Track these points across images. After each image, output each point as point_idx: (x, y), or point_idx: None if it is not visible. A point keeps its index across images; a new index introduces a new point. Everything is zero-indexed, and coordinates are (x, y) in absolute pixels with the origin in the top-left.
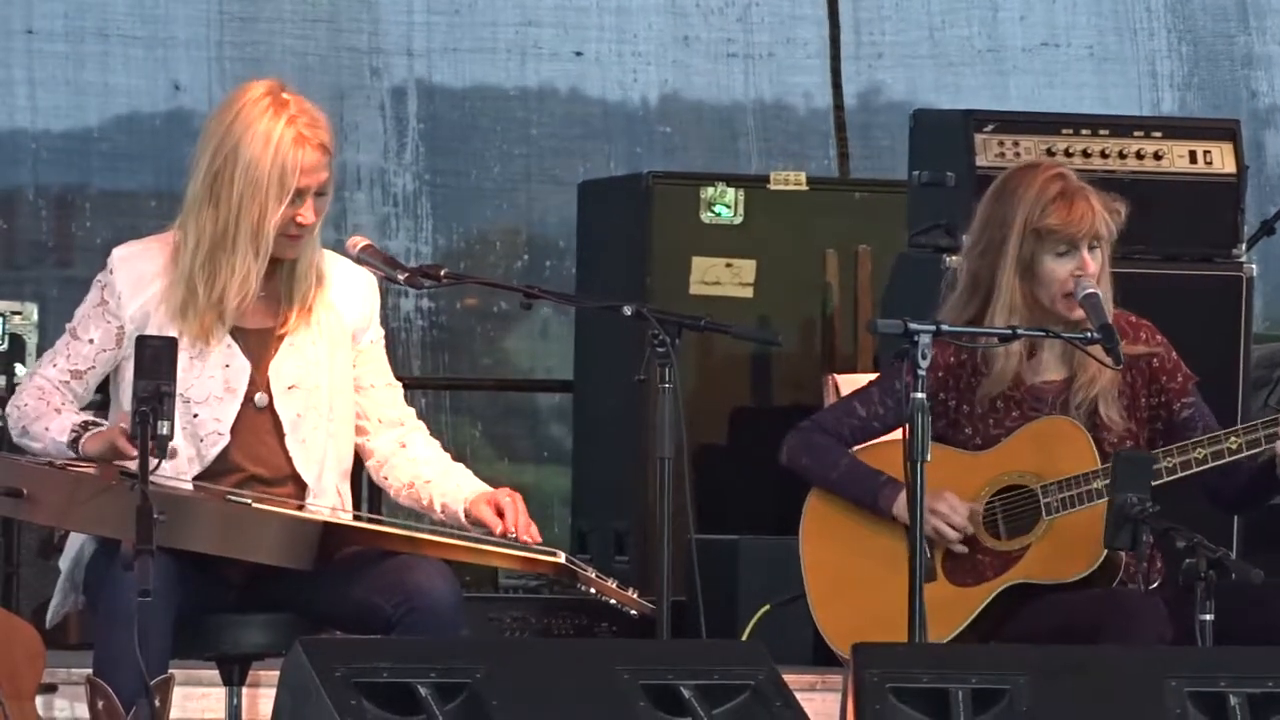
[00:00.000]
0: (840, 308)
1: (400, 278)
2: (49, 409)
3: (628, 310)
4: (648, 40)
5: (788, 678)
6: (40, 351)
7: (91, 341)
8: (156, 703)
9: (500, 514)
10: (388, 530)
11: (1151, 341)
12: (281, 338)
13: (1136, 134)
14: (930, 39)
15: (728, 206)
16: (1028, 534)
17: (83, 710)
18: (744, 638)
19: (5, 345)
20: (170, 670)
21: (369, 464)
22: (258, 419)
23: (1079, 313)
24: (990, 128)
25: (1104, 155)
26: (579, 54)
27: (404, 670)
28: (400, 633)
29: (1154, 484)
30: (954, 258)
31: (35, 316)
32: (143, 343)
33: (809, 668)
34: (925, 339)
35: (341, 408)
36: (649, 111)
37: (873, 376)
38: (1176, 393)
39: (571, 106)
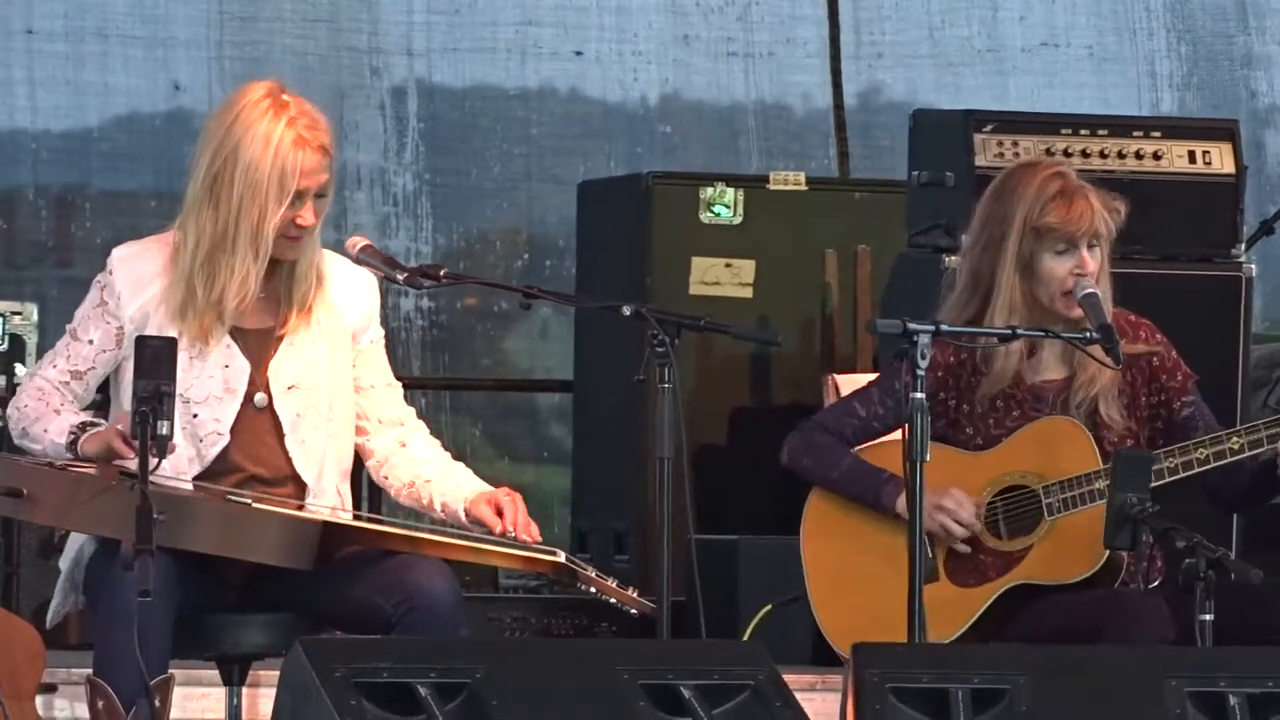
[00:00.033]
0: (840, 308)
1: (400, 278)
2: (48, 410)
3: (627, 310)
4: (648, 39)
5: (788, 678)
6: (40, 352)
7: (91, 342)
8: (156, 703)
9: (500, 513)
10: (387, 530)
11: (1151, 340)
12: (281, 338)
13: (1136, 134)
14: (930, 39)
15: (727, 206)
16: (1030, 534)
17: (83, 710)
18: (745, 638)
19: (5, 345)
20: (170, 670)
21: (369, 464)
22: (257, 419)
23: (1079, 311)
24: (989, 128)
25: (1103, 155)
26: (579, 53)
27: (404, 670)
28: (400, 632)
29: (1156, 484)
30: (953, 258)
31: (35, 316)
32: (142, 343)
33: (809, 668)
34: (924, 339)
35: (341, 408)
36: (649, 111)
37: (872, 376)
38: (1176, 391)
39: (571, 106)
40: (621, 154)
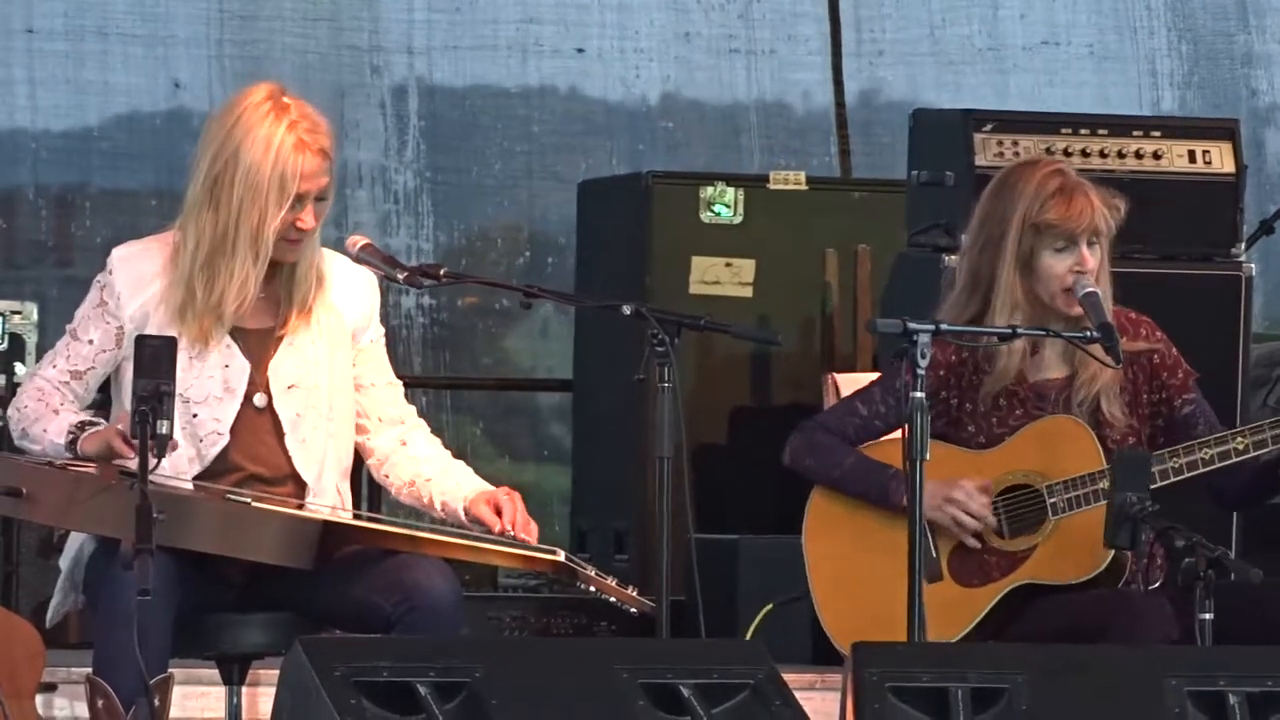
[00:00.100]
0: (840, 307)
1: (400, 277)
2: (48, 410)
3: (627, 310)
4: (649, 36)
5: (787, 677)
6: (40, 351)
7: (91, 342)
8: (156, 702)
9: (499, 512)
10: (387, 529)
11: (1152, 338)
12: (281, 338)
13: (1135, 133)
14: (931, 37)
15: (727, 206)
16: (1033, 534)
17: (82, 709)
18: (748, 637)
19: (5, 345)
20: (170, 669)
21: (369, 462)
22: (257, 419)
23: (1079, 309)
24: (989, 127)
25: (1103, 155)
26: (580, 51)
27: (403, 669)
28: (400, 632)
29: (1160, 484)
30: (953, 257)
31: (35, 316)
32: (142, 342)
33: (809, 667)
34: (924, 338)
35: (341, 407)
36: (651, 108)
37: (872, 376)
38: (1177, 389)
39: (573, 103)
40: (623, 151)
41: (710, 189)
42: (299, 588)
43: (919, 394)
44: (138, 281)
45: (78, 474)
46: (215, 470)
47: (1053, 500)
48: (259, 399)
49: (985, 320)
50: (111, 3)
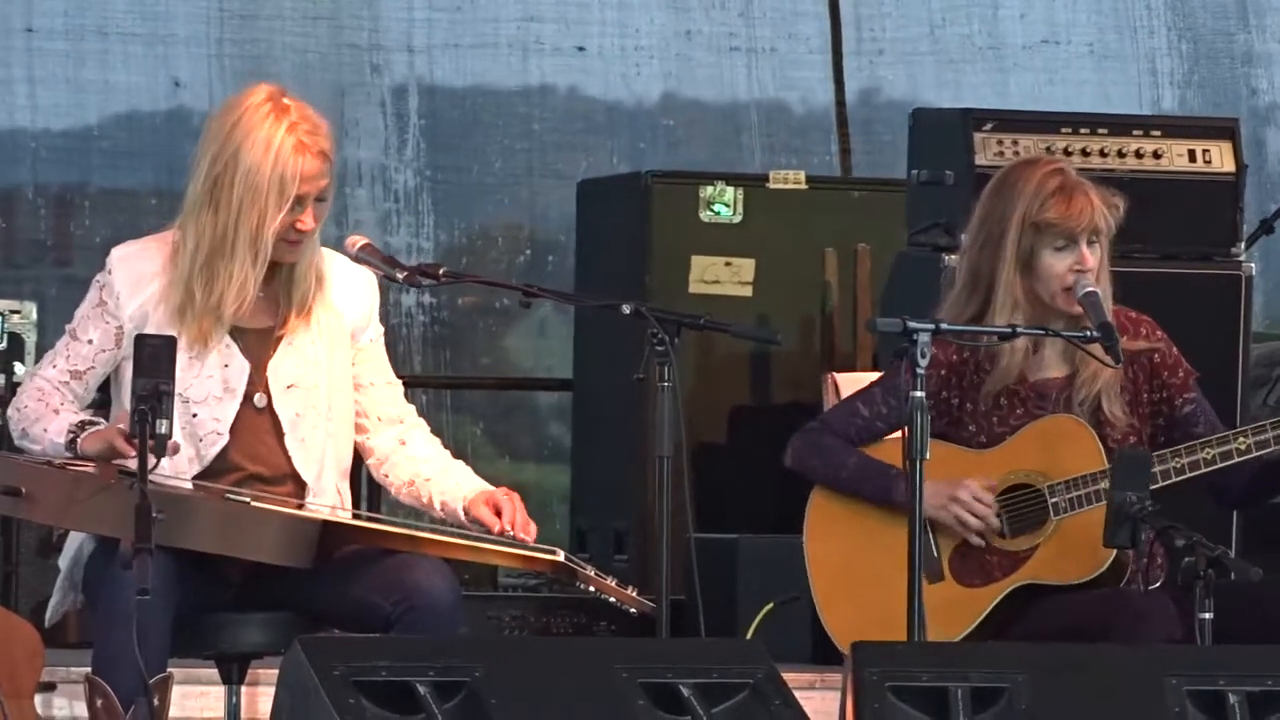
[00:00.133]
0: (839, 306)
1: (399, 276)
2: (48, 410)
3: (627, 309)
4: (650, 35)
5: (787, 676)
6: (40, 351)
7: (90, 342)
8: (155, 701)
9: (498, 512)
10: (387, 529)
11: (1152, 337)
12: (280, 338)
13: (1135, 133)
14: (931, 36)
15: (727, 205)
16: (1035, 534)
17: (82, 709)
18: (748, 637)
19: (4, 344)
20: (169, 669)
21: (369, 462)
22: (257, 419)
23: (1079, 308)
24: (989, 126)
25: (1103, 154)
26: (581, 49)
27: (403, 669)
28: (399, 631)
29: (1162, 484)
30: (953, 256)
31: (34, 316)
32: (141, 341)
33: (808, 666)
34: (924, 338)
35: (340, 407)
36: (651, 106)
37: (872, 375)
38: (1178, 388)
39: (573, 102)
40: (624, 150)
41: (710, 188)
42: (298, 587)
43: (919, 393)
44: (137, 281)
45: (77, 473)
46: (215, 470)
47: (1054, 500)
48: (258, 399)
49: (985, 319)
50: (111, 2)
